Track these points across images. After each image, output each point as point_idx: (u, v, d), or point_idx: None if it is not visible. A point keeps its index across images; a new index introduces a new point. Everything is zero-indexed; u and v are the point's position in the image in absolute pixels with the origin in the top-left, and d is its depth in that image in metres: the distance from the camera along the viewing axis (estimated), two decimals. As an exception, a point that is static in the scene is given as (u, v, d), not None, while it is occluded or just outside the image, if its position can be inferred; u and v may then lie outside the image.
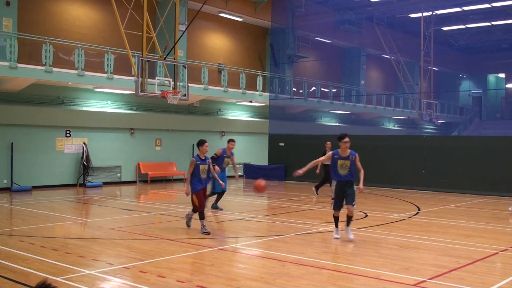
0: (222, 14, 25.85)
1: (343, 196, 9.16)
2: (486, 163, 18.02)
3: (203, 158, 9.88)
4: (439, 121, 38.90)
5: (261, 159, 25.38)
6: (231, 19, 26.61)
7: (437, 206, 14.77)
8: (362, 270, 7.07)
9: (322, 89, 31.53)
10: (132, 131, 21.40)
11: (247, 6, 26.64)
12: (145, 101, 20.83)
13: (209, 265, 7.35)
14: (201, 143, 9.99)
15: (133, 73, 17.03)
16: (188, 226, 10.26)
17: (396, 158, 19.96)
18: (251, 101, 25.18)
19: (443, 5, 32.49)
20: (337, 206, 9.29)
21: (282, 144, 23.84)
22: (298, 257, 7.78)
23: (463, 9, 32.55)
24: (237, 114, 26.22)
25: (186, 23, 22.14)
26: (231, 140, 13.06)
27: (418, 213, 13.34)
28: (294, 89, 29.99)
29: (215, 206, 13.18)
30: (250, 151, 25.95)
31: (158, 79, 16.05)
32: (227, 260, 7.75)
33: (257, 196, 16.08)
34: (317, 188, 16.73)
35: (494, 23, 35.23)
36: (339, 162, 9.12)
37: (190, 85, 18.20)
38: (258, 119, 26.75)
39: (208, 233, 9.60)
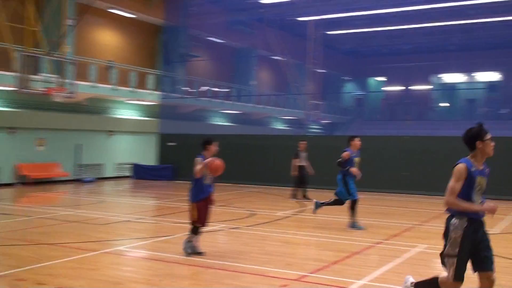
0: (112, 10, 25.12)
1: None
2: (366, 161, 19.08)
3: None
4: (324, 121, 40.67)
5: (151, 159, 25.01)
6: (122, 15, 25.93)
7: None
8: (248, 268, 7.24)
9: (214, 89, 31.73)
10: (12, 130, 20.13)
11: (139, 3, 26.10)
12: (28, 98, 19.69)
13: (92, 269, 7.13)
14: (209, 141, 8.11)
15: (14, 69, 16.04)
16: (199, 252, 8.02)
17: (284, 157, 20.55)
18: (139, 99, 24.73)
19: (330, 10, 33.95)
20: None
21: (173, 144, 23.66)
22: (185, 258, 7.79)
23: (348, 15, 34.26)
24: (127, 113, 25.61)
25: (75, 18, 21.26)
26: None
27: (302, 210, 13.86)
28: (186, 88, 29.88)
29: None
30: (140, 151, 25.45)
31: (42, 76, 15.27)
32: (111, 264, 7.57)
33: (146, 197, 15.81)
34: (305, 196, 16.17)
35: (376, 29, 37.49)
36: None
37: (77, 82, 17.53)
38: (148, 118, 26.31)
39: (202, 254, 7.97)
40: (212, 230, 10.36)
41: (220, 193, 17.55)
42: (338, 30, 38.28)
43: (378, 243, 9.24)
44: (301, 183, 16.00)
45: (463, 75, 46.45)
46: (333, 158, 15.63)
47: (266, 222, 11.50)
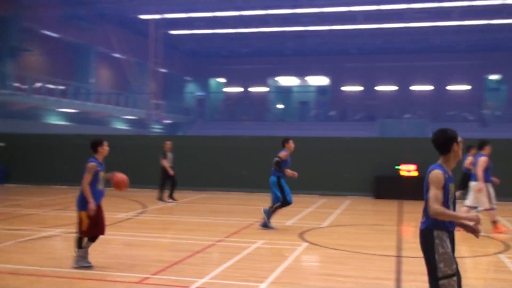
0: None
1: None
2: (206, 161, 19.51)
3: (101, 162, 7.48)
4: (166, 121, 40.58)
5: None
6: None
7: (161, 203, 15.44)
8: (87, 274, 7.02)
9: (49, 85, 29.93)
10: None
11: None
12: None
13: None
14: (99, 142, 7.39)
15: None
16: (87, 265, 7.32)
17: (125, 158, 20.14)
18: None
19: (172, 9, 33.98)
20: None
21: (1, 144, 21.87)
22: (17, 267, 7.32)
23: (190, 16, 34.57)
24: None
25: None
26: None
27: (144, 211, 13.75)
28: (17, 84, 27.80)
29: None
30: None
31: None
32: None
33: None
34: (171, 196, 15.61)
35: (217, 31, 38.32)
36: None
37: None
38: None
39: (91, 267, 7.31)
40: (48, 235, 9.84)
41: (57, 196, 16.69)
42: (180, 30, 38.47)
43: (219, 241, 9.53)
44: (164, 184, 15.70)
45: (297, 78, 49.53)
46: (175, 158, 15.83)
47: (108, 225, 11.21)
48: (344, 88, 46.95)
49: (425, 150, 17.94)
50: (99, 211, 7.36)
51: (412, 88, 45.71)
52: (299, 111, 48.67)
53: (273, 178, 10.86)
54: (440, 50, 42.89)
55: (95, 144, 7.40)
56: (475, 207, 10.56)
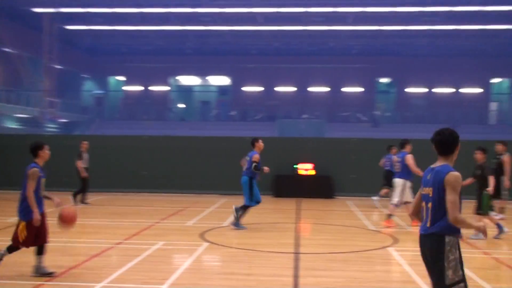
0: None
1: None
2: (105, 161, 18.95)
3: (42, 167, 7.04)
4: (61, 120, 38.90)
5: None
6: None
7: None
8: (-27, 283, 6.62)
9: None
10: None
11: None
12: None
13: None
14: (40, 146, 7.05)
15: None
16: (49, 273, 7.02)
17: (18, 159, 19.07)
18: None
19: (68, 3, 32.62)
20: None
21: None
22: None
23: (87, 10, 33.37)
24: None
25: None
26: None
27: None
28: None
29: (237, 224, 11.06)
30: None
31: None
32: None
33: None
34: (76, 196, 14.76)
35: (117, 27, 37.27)
36: None
37: None
38: None
39: (52, 274, 6.99)
40: None
41: None
42: (77, 25, 37.01)
43: (118, 243, 9.33)
44: (84, 186, 14.97)
45: (198, 78, 49.47)
46: (72, 158, 15.22)
47: (-4, 231, 10.60)
48: (244, 88, 47.57)
49: (322, 149, 18.77)
50: (42, 219, 6.97)
51: (309, 89, 47.25)
52: (200, 111, 48.64)
53: (245, 178, 11.07)
54: (336, 53, 44.73)
55: (36, 148, 7.02)
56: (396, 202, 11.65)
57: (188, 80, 49.87)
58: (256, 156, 11.06)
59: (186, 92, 50.11)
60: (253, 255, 8.56)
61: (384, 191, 15.00)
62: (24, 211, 6.90)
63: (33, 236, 6.89)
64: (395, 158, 12.57)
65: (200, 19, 35.77)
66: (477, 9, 31.54)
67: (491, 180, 10.10)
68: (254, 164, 10.96)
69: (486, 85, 46.95)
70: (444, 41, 40.36)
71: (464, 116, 44.91)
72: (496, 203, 12.52)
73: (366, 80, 46.61)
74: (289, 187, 17.96)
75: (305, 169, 18.15)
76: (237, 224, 11.04)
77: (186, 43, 42.45)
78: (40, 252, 7.03)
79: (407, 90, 46.85)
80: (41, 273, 6.97)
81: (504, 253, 9.28)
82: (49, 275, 6.95)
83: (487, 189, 10.09)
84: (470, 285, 6.73)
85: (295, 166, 18.22)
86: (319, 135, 38.49)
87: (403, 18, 33.85)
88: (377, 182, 18.07)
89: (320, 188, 17.89)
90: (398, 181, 11.61)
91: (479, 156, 10.44)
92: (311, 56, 45.19)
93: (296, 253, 8.63)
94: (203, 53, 45.04)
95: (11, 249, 7.10)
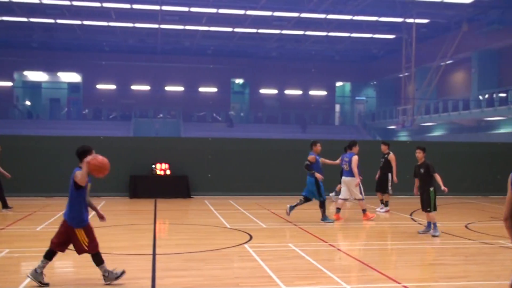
0: None
1: None
2: None
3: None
4: None
5: None
6: None
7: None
8: None
9: None
10: None
11: None
12: None
13: None
14: (88, 150, 6.65)
15: None
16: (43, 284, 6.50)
17: None
18: None
19: None
20: None
21: None
22: None
23: None
24: None
25: None
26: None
27: None
28: None
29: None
30: None
31: None
32: None
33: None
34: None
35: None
36: None
37: None
38: None
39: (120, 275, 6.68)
40: None
41: None
42: None
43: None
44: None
45: (46, 74, 46.62)
46: None
47: None
48: (98, 86, 45.80)
49: (178, 149, 18.76)
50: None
51: (165, 88, 46.91)
52: (50, 109, 45.94)
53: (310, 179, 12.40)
54: (191, 53, 44.95)
55: (85, 152, 6.66)
56: (346, 199, 13.06)
57: (35, 75, 46.75)
58: (312, 157, 12.38)
59: (33, 88, 46.96)
60: (109, 258, 8.29)
61: (339, 186, 15.39)
62: (78, 218, 6.63)
63: (90, 241, 6.64)
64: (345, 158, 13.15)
65: (47, 11, 33.75)
66: (323, 16, 33.72)
67: (438, 178, 10.48)
68: (306, 164, 12.31)
69: (331, 88, 50.38)
70: (293, 45, 42.54)
71: (312, 117, 47.80)
72: (381, 197, 13.83)
73: (221, 80, 47.50)
74: (145, 187, 17.68)
75: (161, 169, 18.00)
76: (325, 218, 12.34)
77: (33, 36, 39.71)
78: (101, 261, 6.77)
79: (260, 91, 48.58)
80: (116, 276, 6.72)
81: (347, 244, 10.04)
82: (118, 277, 6.73)
83: (442, 188, 10.39)
84: (319, 276, 7.22)
85: (151, 166, 17.99)
86: (175, 134, 38.45)
87: (255, 21, 35.05)
88: (234, 181, 18.59)
89: (177, 188, 17.86)
90: (346, 180, 12.84)
91: (419, 155, 10.76)
92: (167, 54, 44.93)
93: (154, 255, 8.55)
94: (51, 48, 42.52)
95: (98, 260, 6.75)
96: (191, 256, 8.51)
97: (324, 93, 49.90)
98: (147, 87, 46.58)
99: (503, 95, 30.88)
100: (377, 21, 35.24)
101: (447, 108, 35.59)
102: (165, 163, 18.04)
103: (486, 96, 32.28)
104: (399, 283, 6.98)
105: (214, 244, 9.51)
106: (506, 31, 30.77)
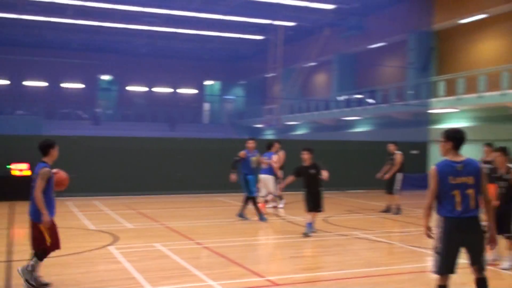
0: None
1: None
2: None
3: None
4: None
5: None
6: None
7: None
8: None
9: None
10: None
11: None
12: None
13: None
14: (52, 144, 6.76)
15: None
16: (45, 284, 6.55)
17: None
18: None
19: None
20: None
21: None
22: None
23: None
24: None
25: None
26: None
27: None
28: None
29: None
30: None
31: None
32: None
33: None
34: None
35: None
36: None
37: None
38: None
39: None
40: None
41: None
42: None
43: None
44: None
45: None
46: None
47: None
48: None
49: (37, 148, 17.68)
50: (53, 222, 6.61)
51: (25, 83, 43.98)
52: None
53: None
54: (55, 47, 42.57)
55: (48, 147, 6.70)
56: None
57: None
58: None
59: None
60: (-43, 268, 7.65)
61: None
62: (38, 213, 6.43)
63: (52, 238, 6.53)
64: (265, 157, 13.85)
65: None
66: (193, 14, 33.78)
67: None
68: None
69: (200, 86, 50.68)
70: (163, 43, 42.11)
71: (181, 115, 47.71)
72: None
73: (87, 76, 45.66)
74: (1, 189, 16.43)
75: (19, 169, 16.85)
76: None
77: None
78: (41, 258, 6.57)
79: (128, 88, 47.46)
80: (39, 284, 6.50)
81: (214, 242, 10.20)
82: (46, 285, 6.58)
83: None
84: (185, 275, 7.26)
85: (8, 166, 16.78)
86: (36, 132, 36.10)
87: (125, 16, 34.15)
88: (99, 181, 17.98)
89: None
90: (264, 177, 13.61)
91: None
92: (27, 47, 42.10)
93: (9, 261, 8.02)
94: None
95: (40, 257, 6.53)
96: (50, 261, 8.08)
97: (193, 91, 50.02)
98: (4, 82, 43.33)
99: (359, 96, 33.16)
100: (246, 22, 36.04)
101: (310, 108, 37.43)
102: (24, 162, 16.92)
103: (345, 97, 34.46)
104: (263, 277, 7.26)
105: (75, 247, 9.12)
106: (363, 37, 33.06)
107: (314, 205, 10.48)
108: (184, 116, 47.78)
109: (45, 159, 6.73)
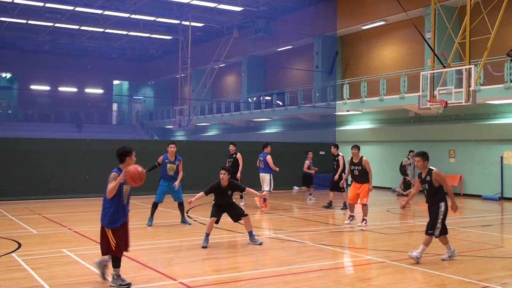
0: None
1: None
2: None
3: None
4: None
5: None
6: None
7: None
8: None
9: None
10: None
11: None
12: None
13: None
14: (129, 152, 6.80)
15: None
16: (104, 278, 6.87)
17: None
18: None
19: None
20: None
21: None
22: None
23: None
24: None
25: None
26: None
27: None
28: None
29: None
30: None
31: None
32: None
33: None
34: None
35: None
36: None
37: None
38: None
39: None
40: None
41: None
42: None
43: None
44: None
45: None
46: None
47: None
48: None
49: None
50: (124, 228, 6.82)
51: None
52: None
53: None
54: None
55: (124, 154, 6.80)
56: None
57: None
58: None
59: None
60: None
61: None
62: (110, 219, 6.61)
63: (116, 244, 6.62)
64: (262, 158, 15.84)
65: None
66: (99, 12, 32.78)
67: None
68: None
69: (108, 86, 49.30)
70: (67, 40, 40.52)
71: (88, 115, 46.15)
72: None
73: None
74: None
75: None
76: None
77: None
78: (117, 264, 6.76)
79: (31, 87, 45.20)
80: (121, 284, 6.66)
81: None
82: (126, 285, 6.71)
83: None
84: (94, 281, 7.07)
85: None
86: None
87: (25, 11, 32.49)
88: (11, 184, 17.05)
89: None
90: (262, 175, 15.70)
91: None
92: None
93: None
94: None
95: (116, 262, 6.73)
96: None
97: (101, 91, 48.53)
98: None
99: (268, 98, 33.78)
100: (154, 21, 35.50)
101: (221, 109, 37.59)
102: None
103: (254, 98, 34.95)
104: (175, 280, 7.23)
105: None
106: (270, 40, 33.66)
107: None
108: (92, 116, 46.24)
109: (121, 166, 6.81)
